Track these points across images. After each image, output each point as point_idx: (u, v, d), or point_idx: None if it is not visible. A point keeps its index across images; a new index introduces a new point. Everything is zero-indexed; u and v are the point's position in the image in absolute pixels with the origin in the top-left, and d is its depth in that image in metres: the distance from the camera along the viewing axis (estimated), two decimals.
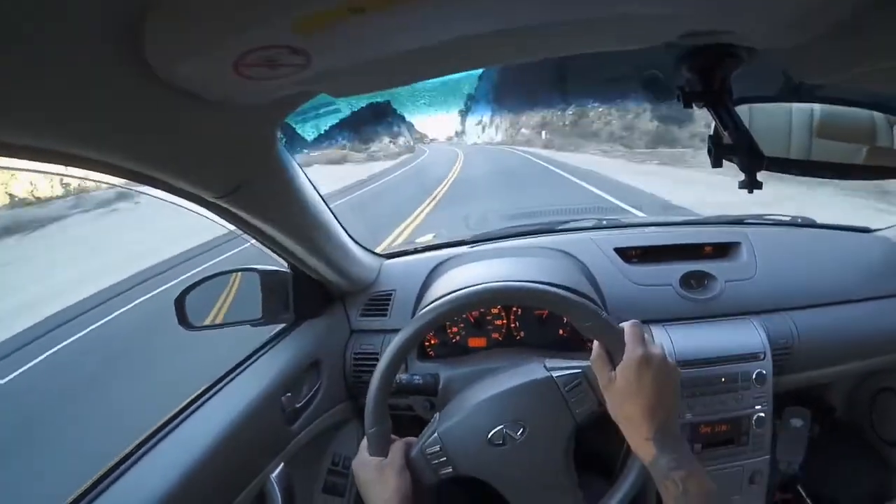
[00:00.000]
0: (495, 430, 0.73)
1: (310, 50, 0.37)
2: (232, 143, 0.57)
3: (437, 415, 0.81)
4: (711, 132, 0.62)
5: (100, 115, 0.40)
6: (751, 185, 0.60)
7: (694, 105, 0.59)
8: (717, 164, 0.61)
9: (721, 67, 0.55)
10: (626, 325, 0.73)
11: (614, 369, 0.70)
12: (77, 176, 0.52)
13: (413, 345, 0.80)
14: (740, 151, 0.58)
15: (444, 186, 11.95)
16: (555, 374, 0.74)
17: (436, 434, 0.76)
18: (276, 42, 0.35)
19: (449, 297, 0.78)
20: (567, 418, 0.73)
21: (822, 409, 1.42)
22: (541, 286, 0.77)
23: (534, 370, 0.77)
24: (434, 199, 9.58)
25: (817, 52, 0.52)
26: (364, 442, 0.78)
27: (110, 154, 0.46)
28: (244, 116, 0.53)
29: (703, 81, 0.56)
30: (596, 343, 0.73)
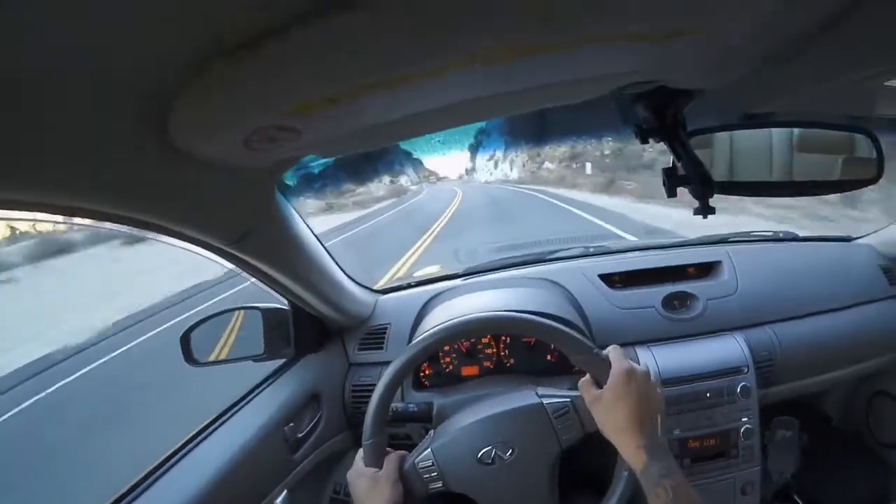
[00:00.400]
0: (485, 449, 0.77)
1: (300, 127, 0.44)
2: (237, 199, 0.64)
3: (431, 432, 0.84)
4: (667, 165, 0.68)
5: (121, 176, 0.47)
6: (704, 210, 0.65)
7: (651, 140, 0.65)
8: (671, 193, 0.66)
9: (673, 105, 0.60)
10: (610, 348, 0.79)
11: (599, 386, 0.76)
12: (98, 226, 0.59)
13: (412, 366, 0.85)
14: (693, 181, 0.63)
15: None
16: (545, 401, 0.78)
17: (429, 450, 0.80)
18: (276, 124, 0.43)
19: (451, 322, 0.82)
20: (553, 443, 0.77)
21: (815, 418, 1.44)
22: (539, 318, 0.82)
23: (526, 396, 0.81)
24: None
25: (754, 85, 0.58)
26: (360, 453, 0.82)
27: (130, 209, 0.53)
28: (247, 176, 0.60)
29: (657, 118, 0.61)
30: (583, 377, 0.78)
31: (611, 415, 0.73)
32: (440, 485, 0.78)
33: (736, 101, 0.72)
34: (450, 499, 0.82)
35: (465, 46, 0.35)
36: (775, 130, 0.80)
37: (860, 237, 1.45)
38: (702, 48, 0.42)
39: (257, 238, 0.74)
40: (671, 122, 0.61)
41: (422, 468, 0.79)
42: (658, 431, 0.73)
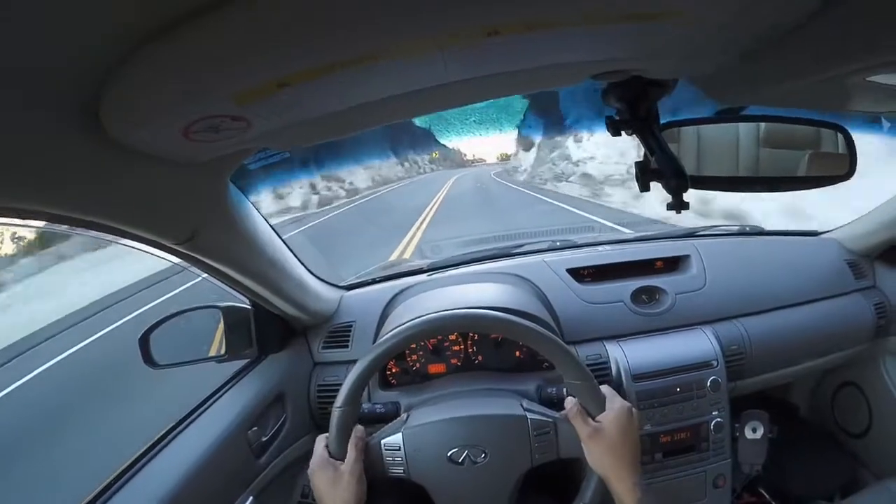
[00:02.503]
0: (458, 448, 0.75)
1: (248, 116, 0.41)
2: (186, 195, 0.60)
3: (405, 415, 0.81)
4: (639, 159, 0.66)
5: (57, 173, 0.43)
6: (678, 206, 0.63)
7: (623, 133, 0.63)
8: (644, 188, 0.64)
9: (646, 97, 0.59)
10: (604, 388, 0.78)
11: (594, 420, 0.74)
12: (39, 227, 0.54)
13: (393, 353, 0.81)
14: (666, 175, 0.61)
15: None
16: (529, 415, 0.76)
17: (400, 434, 0.77)
18: (218, 112, 0.39)
19: (448, 313, 0.80)
20: (526, 459, 0.75)
21: (784, 409, 1.47)
22: (541, 329, 0.79)
23: (510, 405, 0.79)
24: None
25: (729, 78, 0.56)
26: (320, 441, 0.78)
27: (69, 209, 0.49)
28: (194, 171, 0.56)
29: (629, 111, 0.59)
30: (571, 399, 0.76)
31: (613, 452, 0.72)
32: (401, 471, 0.75)
33: (708, 94, 0.71)
34: (399, 487, 0.79)
35: (426, 27, 0.33)
36: (743, 125, 0.80)
37: (827, 232, 1.48)
38: (680, 35, 0.40)
39: (210, 236, 0.71)
40: (644, 115, 0.60)
41: (387, 450, 0.76)
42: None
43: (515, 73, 0.46)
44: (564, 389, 0.89)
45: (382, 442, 0.77)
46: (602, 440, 0.72)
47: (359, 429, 0.77)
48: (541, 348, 0.77)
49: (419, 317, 0.80)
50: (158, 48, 0.31)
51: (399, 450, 0.76)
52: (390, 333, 0.79)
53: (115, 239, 0.61)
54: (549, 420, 0.76)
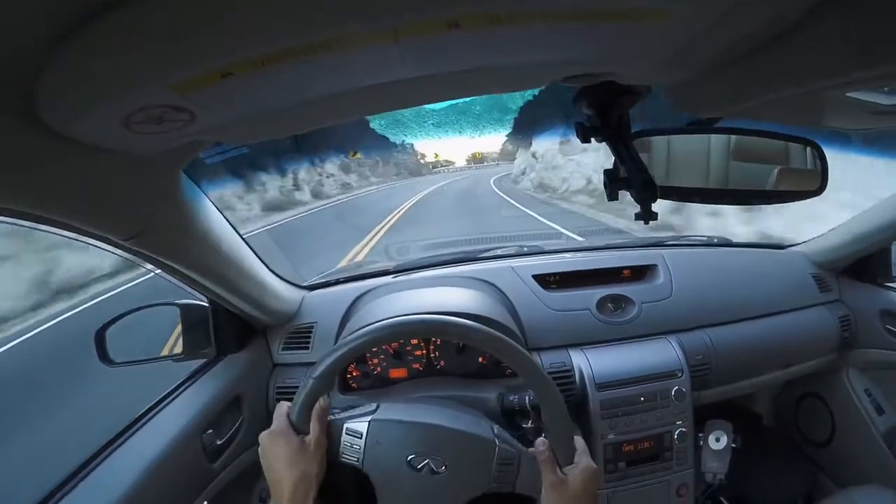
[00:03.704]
0: (421, 455, 0.73)
1: (192, 108, 0.38)
2: (132, 189, 0.57)
3: (377, 405, 0.78)
4: (610, 167, 0.65)
5: None
6: (647, 216, 0.62)
7: (593, 140, 0.61)
8: (612, 197, 0.64)
9: (618, 104, 0.58)
10: (577, 438, 0.76)
11: (561, 470, 0.72)
12: None
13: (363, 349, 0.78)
14: (635, 184, 0.60)
15: None
16: (499, 442, 0.74)
17: (368, 420, 0.74)
18: (159, 102, 0.36)
19: (428, 317, 0.76)
20: (483, 483, 0.73)
21: (747, 418, 1.48)
22: (530, 359, 0.76)
23: (482, 427, 0.77)
24: None
25: (703, 89, 0.55)
26: (281, 408, 0.74)
27: (8, 200, 0.46)
28: (142, 164, 0.53)
29: (600, 117, 0.58)
30: (543, 441, 0.74)
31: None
32: (354, 460, 0.72)
33: (681, 105, 0.71)
34: (341, 474, 0.76)
35: (380, 16, 0.31)
36: (713, 137, 0.80)
37: (793, 245, 1.50)
38: (659, 38, 0.39)
39: (161, 232, 0.68)
40: (615, 123, 0.59)
41: (348, 434, 0.73)
42: None
43: (478, 72, 0.44)
44: (527, 398, 0.87)
45: (346, 425, 0.74)
46: (564, 492, 0.71)
47: (324, 401, 0.74)
48: (527, 377, 0.76)
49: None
50: (92, 33, 0.29)
51: (360, 438, 0.73)
52: (383, 322, 0.76)
53: (59, 232, 0.58)
54: (516, 453, 0.74)
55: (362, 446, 0.73)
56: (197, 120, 0.40)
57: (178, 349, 1.02)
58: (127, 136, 0.41)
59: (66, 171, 0.46)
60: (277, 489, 0.69)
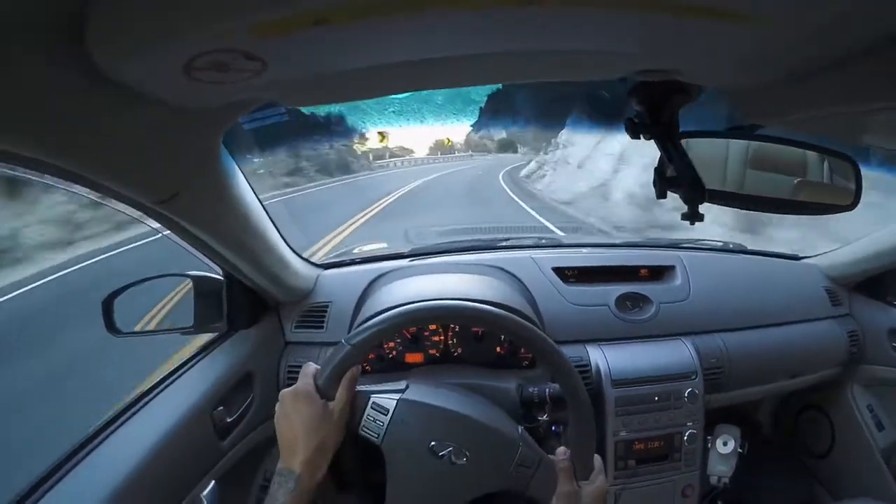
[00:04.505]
0: (445, 442, 0.71)
1: (266, 57, 0.35)
2: (174, 148, 0.54)
3: (406, 384, 0.76)
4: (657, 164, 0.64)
5: (31, 109, 0.37)
6: (692, 216, 0.62)
7: (641, 137, 0.60)
8: (661, 195, 0.63)
9: (670, 103, 0.57)
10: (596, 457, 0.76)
11: (577, 483, 0.72)
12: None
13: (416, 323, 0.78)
14: (683, 184, 0.59)
15: None
16: (521, 445, 0.74)
17: (397, 399, 0.72)
18: (232, 46, 0.33)
19: (467, 304, 0.75)
20: (498, 481, 0.73)
21: (749, 425, 1.49)
22: (570, 364, 0.75)
23: (509, 426, 0.76)
24: None
25: (766, 95, 0.54)
26: (308, 368, 0.72)
27: (40, 150, 0.43)
28: (189, 120, 0.49)
29: (651, 115, 0.57)
30: (564, 450, 0.74)
31: None
32: (374, 435, 0.70)
33: (721, 109, 0.70)
34: (359, 449, 0.74)
35: None
36: (732, 143, 0.79)
37: (808, 257, 1.50)
38: (746, 41, 0.37)
39: (192, 198, 0.64)
40: (666, 122, 0.58)
41: (373, 409, 0.71)
42: None
43: (552, 55, 0.42)
44: (546, 391, 0.86)
45: (372, 399, 0.72)
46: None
47: (356, 369, 0.71)
48: (562, 381, 0.75)
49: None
50: None
51: (386, 414, 0.71)
52: (433, 303, 0.75)
53: (87, 192, 0.55)
54: (535, 457, 0.74)
55: (385, 423, 0.71)
56: (266, 72, 0.37)
57: (153, 326, 1.00)
58: (183, 84, 0.38)
59: (107, 122, 0.43)
60: (290, 451, 0.67)
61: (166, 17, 0.29)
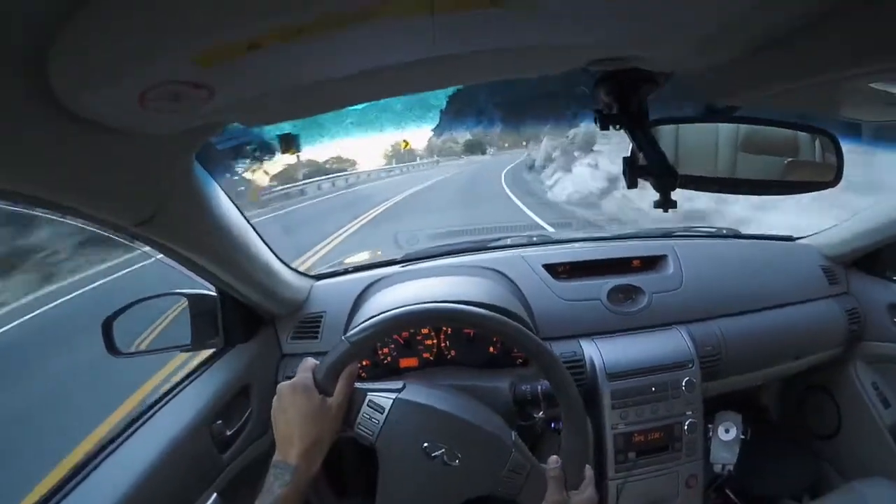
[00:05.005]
0: (438, 443, 0.72)
1: (211, 84, 0.37)
2: (144, 171, 0.56)
3: (404, 384, 0.77)
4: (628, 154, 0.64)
5: (2, 143, 0.39)
6: (665, 203, 0.62)
7: (611, 127, 0.61)
8: (632, 184, 0.63)
9: (637, 92, 0.57)
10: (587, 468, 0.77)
11: (566, 493, 0.73)
12: None
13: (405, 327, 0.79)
14: (654, 172, 0.60)
15: None
16: (514, 451, 0.74)
17: (393, 398, 0.73)
18: (177, 77, 0.35)
19: (459, 307, 0.76)
20: (488, 485, 0.73)
21: (753, 410, 1.48)
22: (569, 378, 0.77)
23: (503, 430, 0.77)
24: None
25: (727, 76, 0.55)
26: (307, 363, 0.73)
27: (16, 183, 0.44)
28: (155, 145, 0.51)
29: (619, 105, 0.57)
30: (556, 459, 0.75)
31: None
32: (369, 433, 0.71)
33: (697, 93, 0.70)
34: (350, 448, 0.75)
35: None
36: (722, 127, 0.79)
37: (803, 237, 1.50)
38: (696, 18, 0.38)
39: (171, 218, 0.66)
40: (635, 110, 0.58)
41: (369, 406, 0.72)
42: None
43: (503, 53, 0.43)
44: (539, 388, 0.87)
45: (369, 397, 0.73)
46: None
47: (354, 366, 0.72)
48: (556, 384, 0.76)
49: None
50: None
51: (382, 413, 0.71)
52: (432, 305, 0.76)
53: (63, 218, 0.56)
54: (527, 464, 0.74)
55: (381, 421, 0.71)
56: (215, 97, 0.39)
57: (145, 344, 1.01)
58: (141, 115, 0.40)
59: (76, 151, 0.45)
60: (287, 444, 0.67)
61: (116, 53, 0.31)
